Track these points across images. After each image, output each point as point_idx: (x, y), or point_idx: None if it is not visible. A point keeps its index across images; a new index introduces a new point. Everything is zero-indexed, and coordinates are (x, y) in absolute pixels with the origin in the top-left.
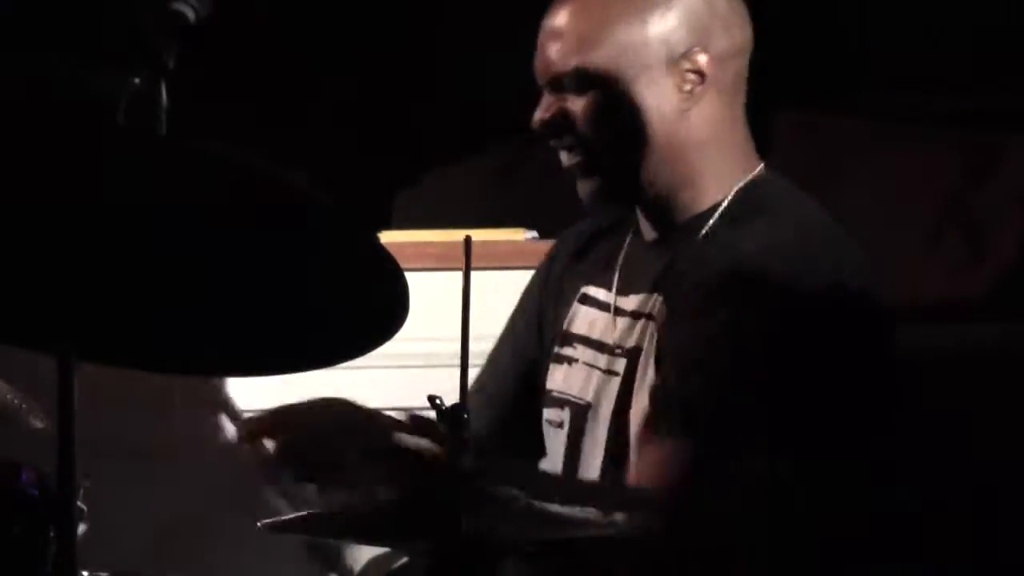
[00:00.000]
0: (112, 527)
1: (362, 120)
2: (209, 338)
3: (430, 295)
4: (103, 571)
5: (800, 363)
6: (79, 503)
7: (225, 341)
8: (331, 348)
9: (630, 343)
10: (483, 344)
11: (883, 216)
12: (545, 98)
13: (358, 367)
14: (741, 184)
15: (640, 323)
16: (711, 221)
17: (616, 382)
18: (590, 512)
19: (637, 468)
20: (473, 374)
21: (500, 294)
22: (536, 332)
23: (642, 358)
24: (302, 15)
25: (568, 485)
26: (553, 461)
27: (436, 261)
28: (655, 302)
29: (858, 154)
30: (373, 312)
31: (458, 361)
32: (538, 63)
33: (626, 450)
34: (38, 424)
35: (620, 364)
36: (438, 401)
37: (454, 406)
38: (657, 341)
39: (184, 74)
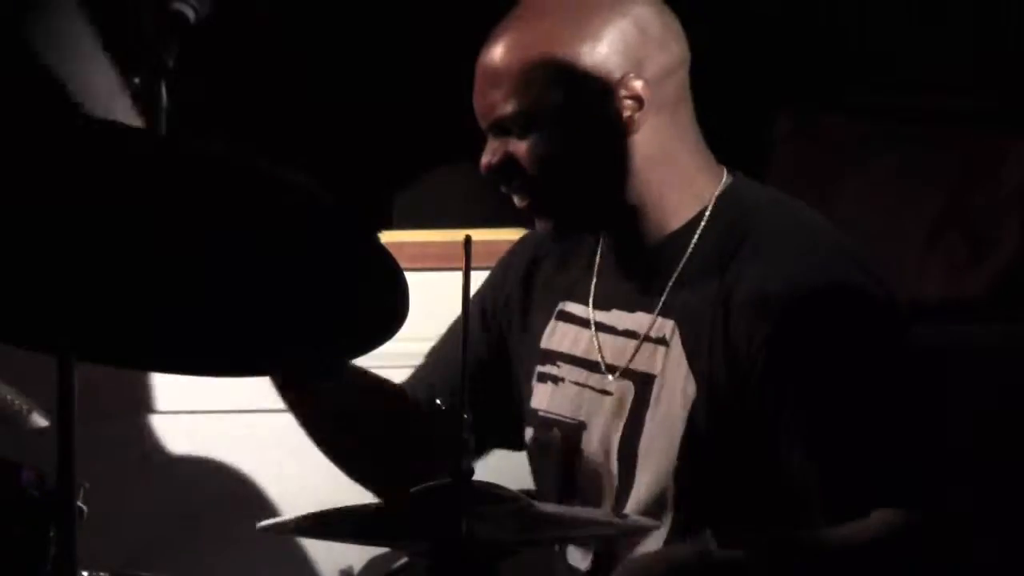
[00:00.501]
0: (112, 527)
1: (362, 120)
2: (209, 338)
3: (430, 295)
4: (103, 571)
5: (910, 381)
6: (79, 503)
7: (225, 341)
8: (331, 348)
9: (631, 364)
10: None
11: (883, 216)
12: (490, 142)
13: None
14: (717, 193)
15: (644, 346)
16: (696, 235)
17: (609, 402)
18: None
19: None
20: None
21: None
22: (484, 331)
23: (655, 385)
24: (302, 15)
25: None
26: (541, 481)
27: (436, 261)
28: (665, 327)
29: (858, 154)
30: (373, 312)
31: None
32: (477, 107)
33: (632, 476)
34: (38, 424)
35: (618, 386)
36: (437, 402)
37: (453, 406)
38: (690, 377)
39: (184, 74)
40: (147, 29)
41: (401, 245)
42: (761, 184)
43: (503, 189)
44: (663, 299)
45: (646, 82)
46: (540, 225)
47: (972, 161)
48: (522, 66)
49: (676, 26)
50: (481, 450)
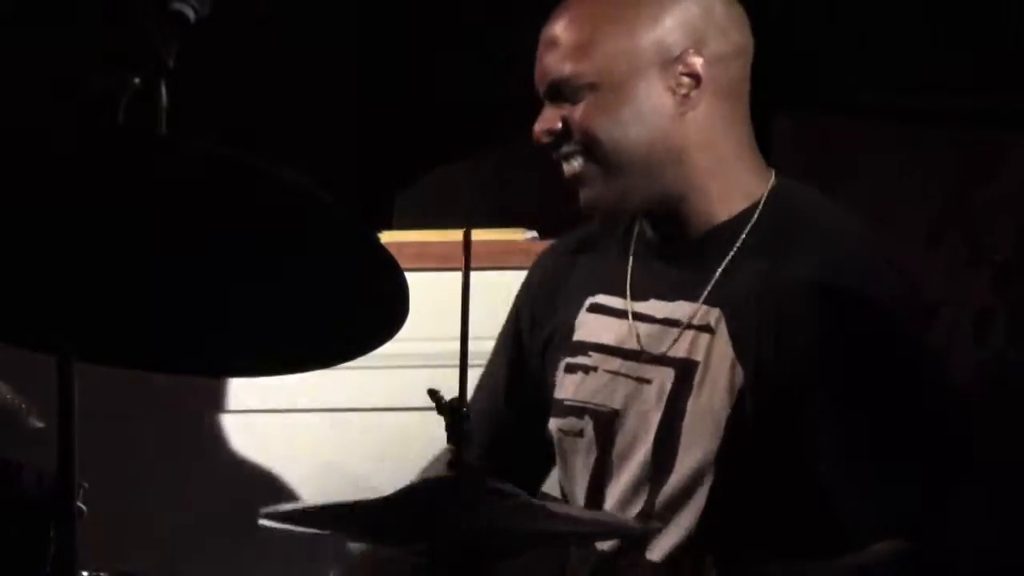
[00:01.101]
0: (112, 527)
1: (362, 120)
2: (209, 338)
3: (430, 295)
4: (103, 571)
5: (949, 396)
6: (79, 503)
7: (225, 341)
8: (331, 348)
9: (670, 351)
10: (483, 344)
11: (883, 216)
12: (545, 109)
13: (358, 367)
14: (766, 193)
15: (685, 333)
16: (747, 229)
17: (649, 390)
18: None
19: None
20: (473, 374)
21: (500, 294)
22: (519, 349)
23: (699, 371)
24: (302, 15)
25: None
26: (570, 471)
27: (436, 261)
28: (710, 314)
29: (858, 154)
30: (373, 312)
31: (457, 361)
32: (536, 73)
33: (672, 461)
34: (38, 424)
35: (657, 372)
36: (439, 395)
37: (454, 400)
38: (736, 366)
39: (184, 74)
40: (147, 29)
41: (401, 245)
42: (813, 191)
43: (553, 155)
44: (709, 288)
45: (705, 61)
46: (584, 193)
47: (972, 161)
48: (583, 31)
49: (741, 16)
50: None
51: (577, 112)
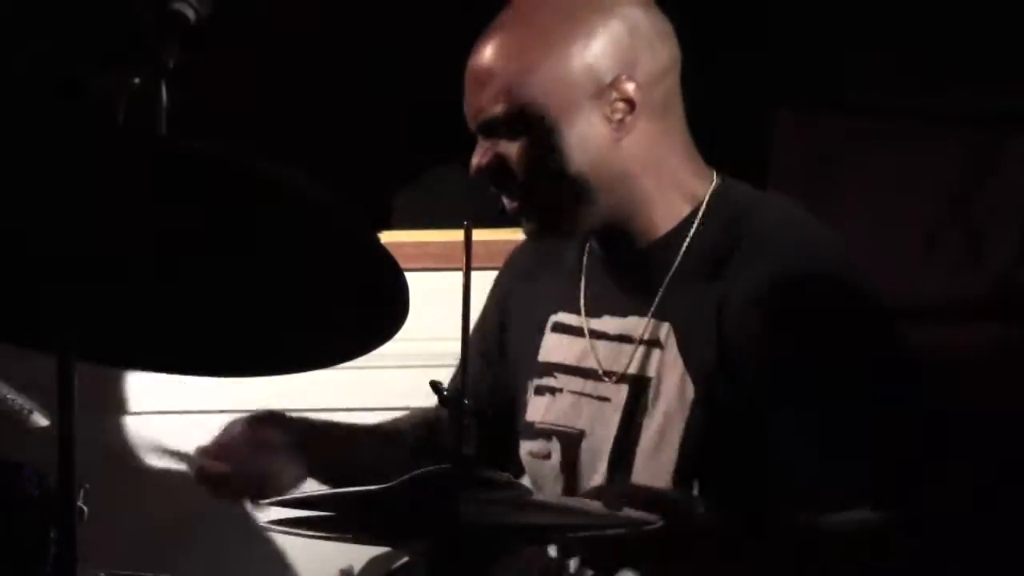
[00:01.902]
0: (112, 527)
1: (362, 120)
2: (209, 338)
3: (430, 295)
4: (103, 571)
5: (899, 378)
6: (79, 503)
7: (225, 341)
8: (331, 348)
9: (625, 369)
10: None
11: (883, 216)
12: (480, 143)
13: (358, 367)
14: (707, 195)
15: (636, 348)
16: (689, 236)
17: (610, 409)
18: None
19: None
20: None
21: None
22: (498, 346)
23: (652, 388)
24: (302, 15)
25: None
26: (541, 492)
27: (436, 261)
28: (660, 329)
29: (858, 154)
30: (373, 312)
31: (458, 361)
32: (467, 108)
33: (628, 480)
34: (38, 424)
35: (614, 391)
36: (441, 387)
37: (453, 393)
38: (687, 377)
39: (184, 74)
40: (147, 29)
41: (401, 245)
42: (749, 185)
43: (492, 190)
44: (656, 301)
45: (638, 85)
46: (527, 228)
47: (972, 161)
48: (512, 67)
49: (667, 27)
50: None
51: (513, 151)
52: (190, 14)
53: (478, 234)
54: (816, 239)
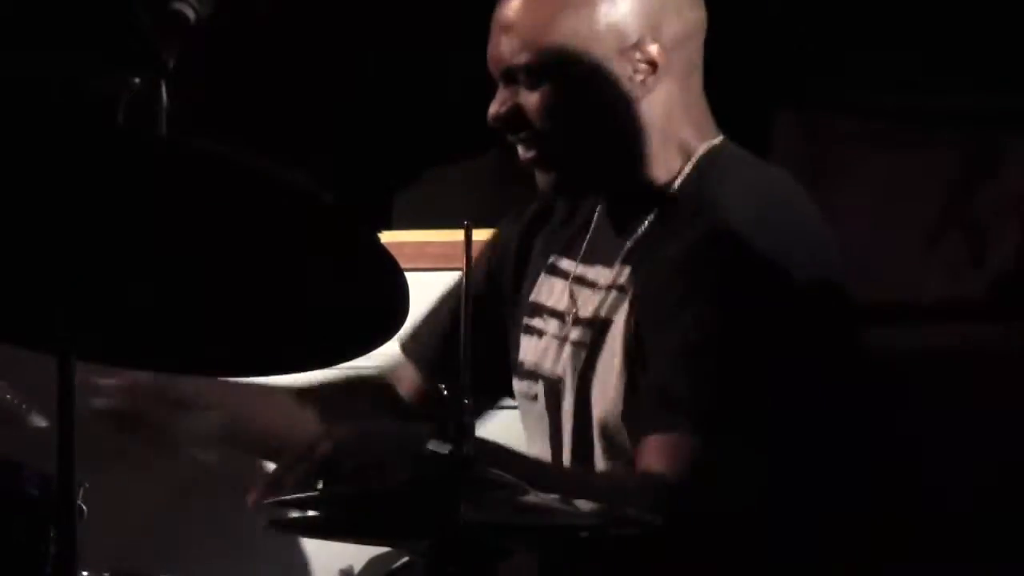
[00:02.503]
0: (112, 527)
1: (362, 120)
2: (209, 338)
3: (430, 295)
4: (103, 571)
5: (784, 347)
6: (79, 503)
7: (225, 341)
8: (331, 348)
9: (592, 313)
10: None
11: (883, 216)
12: (500, 91)
13: (358, 367)
14: (700, 153)
15: (605, 294)
16: (671, 190)
17: (577, 351)
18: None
19: (642, 461)
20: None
21: None
22: (488, 284)
23: (611, 330)
24: (302, 15)
25: (562, 475)
26: (531, 435)
27: (436, 261)
28: (625, 274)
29: (858, 154)
30: (373, 312)
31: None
32: (490, 56)
33: (589, 422)
34: (38, 424)
35: (581, 334)
36: (440, 386)
37: (454, 391)
38: (629, 317)
39: (184, 74)
40: (147, 29)
41: (401, 245)
42: (747, 153)
43: (509, 138)
44: (626, 248)
45: (662, 47)
46: (540, 178)
47: (972, 161)
48: (538, 17)
49: None
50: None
51: (533, 100)
52: (190, 14)
53: (478, 234)
54: (759, 210)
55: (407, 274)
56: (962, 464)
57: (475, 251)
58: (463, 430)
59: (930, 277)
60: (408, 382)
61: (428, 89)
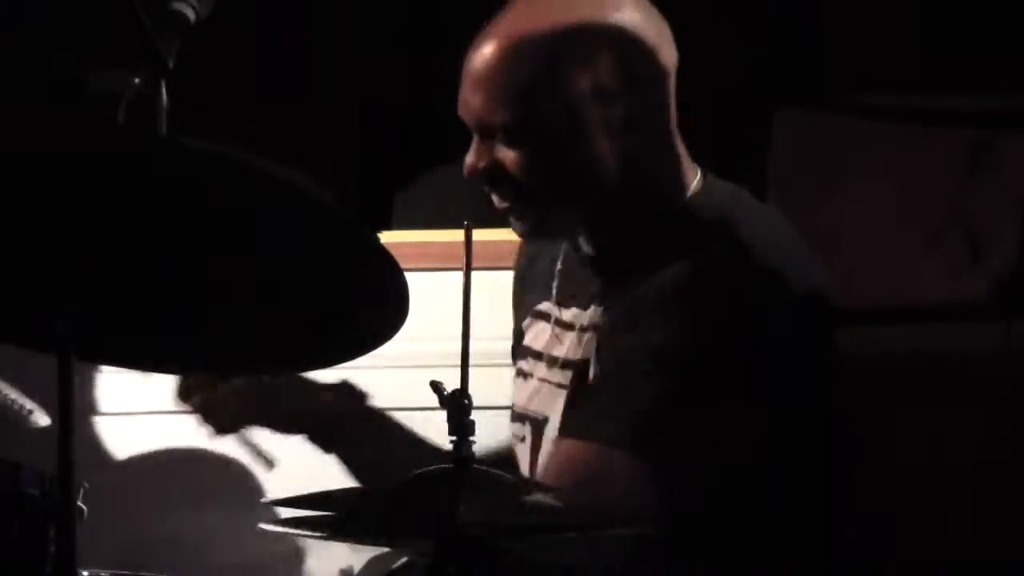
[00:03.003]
0: (112, 527)
1: (362, 120)
2: (209, 338)
3: (430, 295)
4: (103, 571)
5: (720, 383)
6: (79, 503)
7: (225, 341)
8: (331, 348)
9: (571, 355)
10: (483, 344)
11: (883, 216)
12: (476, 144)
13: (358, 367)
14: (688, 196)
15: (579, 335)
16: (651, 234)
17: (561, 394)
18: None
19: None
20: (474, 373)
21: (500, 294)
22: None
23: (590, 370)
24: (302, 15)
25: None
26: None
27: (436, 261)
28: (599, 314)
29: (858, 154)
30: (373, 312)
31: (458, 361)
32: (463, 108)
33: None
34: (38, 424)
35: (563, 377)
36: (441, 387)
37: (455, 391)
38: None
39: (184, 74)
40: (147, 29)
41: (401, 245)
42: (733, 190)
43: (484, 189)
44: (600, 289)
45: (640, 92)
46: (515, 225)
47: (972, 161)
48: (514, 76)
49: (667, 30)
50: None
51: (512, 157)
52: (190, 14)
53: (478, 234)
54: (724, 256)
55: (407, 274)
56: (962, 464)
57: (476, 252)
58: (463, 430)
59: (930, 277)
60: None
61: (428, 89)
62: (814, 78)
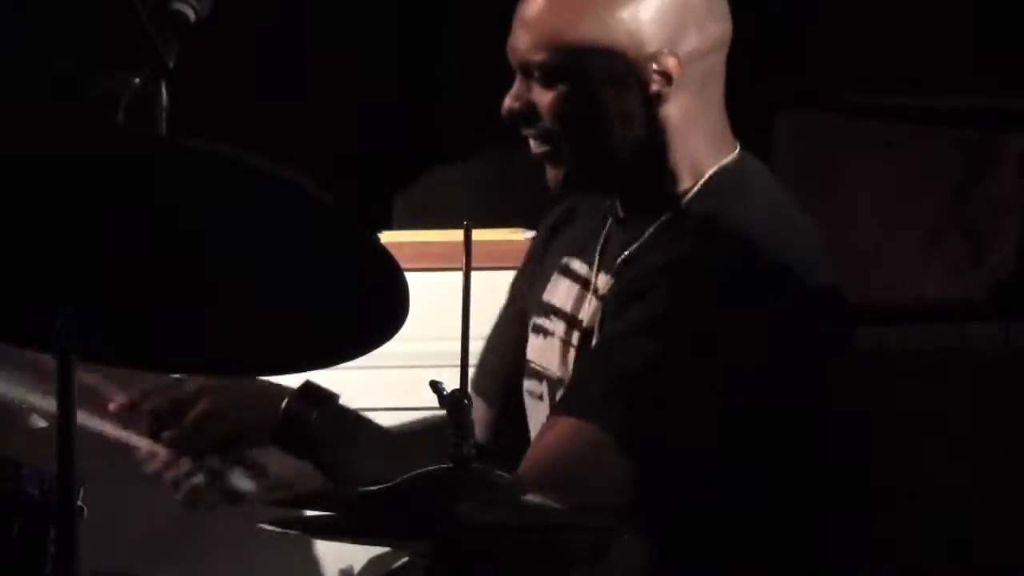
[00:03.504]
0: (112, 527)
1: (362, 120)
2: (209, 338)
3: (430, 295)
4: (103, 571)
5: (716, 366)
6: (79, 503)
7: (225, 341)
8: (331, 348)
9: (589, 320)
10: (483, 344)
11: (883, 216)
12: (516, 84)
13: (358, 367)
14: (711, 172)
15: (601, 302)
16: (678, 207)
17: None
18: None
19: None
20: (473, 373)
21: (500, 294)
22: (521, 320)
23: (593, 339)
24: (302, 15)
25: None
26: (535, 430)
27: (436, 261)
28: (607, 283)
29: (858, 154)
30: (373, 312)
31: (458, 361)
32: (510, 46)
33: None
34: (38, 424)
35: (581, 339)
36: (441, 386)
37: (455, 391)
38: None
39: (184, 74)
40: (147, 29)
41: (401, 245)
42: (760, 170)
43: (522, 131)
44: (622, 258)
45: (679, 60)
46: (550, 173)
47: (972, 161)
48: (559, 18)
49: (722, 6)
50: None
51: (546, 99)
52: (190, 14)
53: (478, 234)
54: (729, 233)
55: (407, 274)
56: (962, 464)
57: (476, 252)
58: (463, 430)
59: (930, 277)
60: (478, 419)
61: (429, 89)
62: (815, 79)
